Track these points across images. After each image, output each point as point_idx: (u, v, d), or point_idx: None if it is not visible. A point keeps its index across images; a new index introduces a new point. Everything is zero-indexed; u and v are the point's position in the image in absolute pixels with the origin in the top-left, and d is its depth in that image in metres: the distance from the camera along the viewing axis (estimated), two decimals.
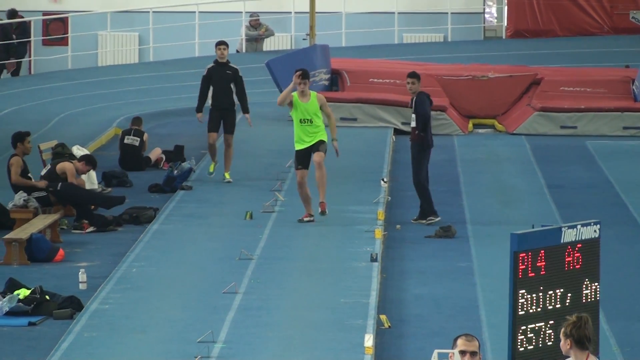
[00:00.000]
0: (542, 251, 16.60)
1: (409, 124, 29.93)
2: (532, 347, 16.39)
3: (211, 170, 32.61)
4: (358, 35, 51.94)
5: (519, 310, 16.59)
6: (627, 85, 42.70)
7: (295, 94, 27.12)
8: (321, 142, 26.97)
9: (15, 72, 49.63)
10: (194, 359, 20.80)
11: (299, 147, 27.29)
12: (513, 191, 34.02)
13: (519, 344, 16.24)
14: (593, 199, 33.19)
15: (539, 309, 16.63)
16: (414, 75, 30.34)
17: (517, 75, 43.52)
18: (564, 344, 15.33)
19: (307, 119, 26.60)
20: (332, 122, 27.78)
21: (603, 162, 37.40)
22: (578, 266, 16.59)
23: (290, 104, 27.69)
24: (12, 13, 50.21)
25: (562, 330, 15.32)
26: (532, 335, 16.54)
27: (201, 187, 32.78)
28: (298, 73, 27.59)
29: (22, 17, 49.78)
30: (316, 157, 26.67)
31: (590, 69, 45.32)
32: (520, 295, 16.50)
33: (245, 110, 32.56)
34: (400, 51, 50.24)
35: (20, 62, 49.43)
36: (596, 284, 16.72)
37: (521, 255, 16.51)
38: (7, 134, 37.50)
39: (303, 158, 26.94)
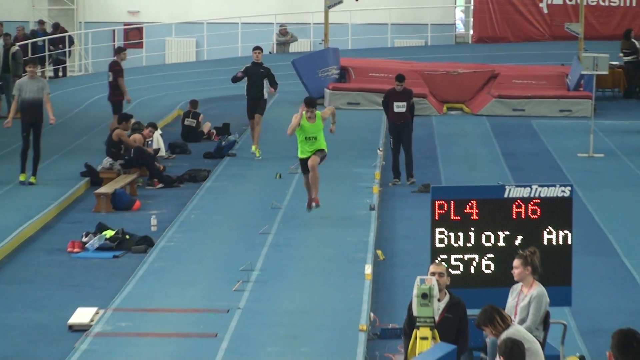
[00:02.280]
0: (473, 201, 16.84)
1: (391, 105, 29.62)
2: (458, 272, 16.58)
3: (255, 152, 32.29)
4: (360, 41, 51.73)
5: (438, 241, 16.78)
6: (563, 79, 42.70)
7: (304, 117, 24.42)
8: (319, 150, 24.86)
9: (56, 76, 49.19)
10: (237, 282, 20.78)
11: (302, 156, 24.90)
12: (477, 158, 33.90)
13: (437, 262, 16.27)
14: (536, 164, 33.10)
15: (469, 244, 16.74)
16: (401, 78, 30.28)
17: (480, 71, 43.46)
18: (524, 272, 15.22)
19: (312, 137, 24.46)
20: (333, 115, 25.73)
21: (544, 136, 37.31)
22: (536, 215, 16.55)
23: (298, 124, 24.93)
24: (56, 26, 49.92)
25: (522, 260, 15.23)
26: (457, 263, 16.71)
27: (242, 154, 32.73)
28: (304, 104, 24.82)
29: (66, 30, 49.51)
30: (311, 161, 24.56)
31: (534, 67, 45.21)
32: (439, 232, 16.76)
33: (274, 86, 32.29)
34: (392, 53, 50.05)
35: (65, 66, 49.00)
36: (566, 231, 16.75)
37: (437, 202, 16.78)
38: (99, 114, 37.45)
39: (305, 166, 24.83)
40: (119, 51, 35.23)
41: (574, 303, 19.51)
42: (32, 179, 28.39)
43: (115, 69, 34.34)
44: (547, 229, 16.74)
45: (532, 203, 16.76)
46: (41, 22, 47.66)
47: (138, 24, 53.21)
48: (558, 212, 16.80)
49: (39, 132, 28.22)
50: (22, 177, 28.41)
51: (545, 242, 16.58)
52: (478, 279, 16.80)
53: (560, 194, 16.82)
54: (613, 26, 49.62)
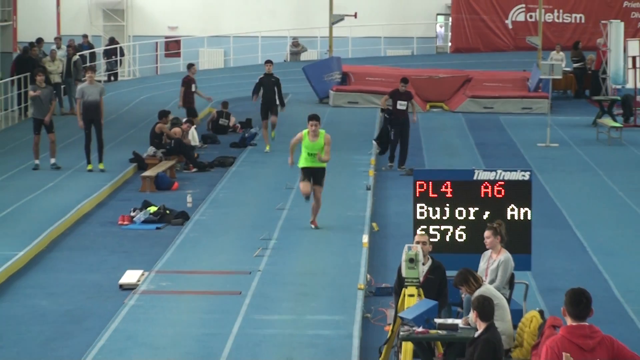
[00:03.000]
0: (448, 182, 16.96)
1: (395, 104, 29.57)
2: (436, 240, 16.55)
3: (267, 149, 32.09)
4: (359, 51, 51.61)
5: (419, 214, 16.90)
6: (524, 82, 42.73)
7: (306, 133, 22.10)
8: (322, 173, 22.36)
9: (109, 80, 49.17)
10: (257, 249, 20.72)
11: (302, 165, 22.29)
12: (454, 147, 33.81)
13: (421, 232, 16.25)
14: (503, 152, 33.03)
15: (445, 217, 16.82)
16: (406, 80, 30.26)
17: (456, 76, 43.44)
18: (494, 241, 15.21)
19: (314, 153, 21.98)
20: (325, 158, 22.25)
21: (509, 129, 37.24)
22: (501, 195, 16.62)
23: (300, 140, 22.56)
24: (112, 40, 49.94)
25: (492, 231, 15.26)
26: (435, 232, 16.76)
27: (262, 145, 32.58)
28: (310, 119, 22.37)
29: (118, 43, 49.45)
30: (317, 192, 22.22)
31: (501, 72, 45.11)
32: (419, 206, 16.95)
33: (282, 104, 32.17)
34: (384, 61, 49.92)
35: (116, 72, 48.93)
36: (526, 209, 16.76)
37: (418, 182, 16.96)
38: (144, 111, 37.35)
39: (307, 173, 22.16)
40: (189, 67, 35.26)
41: (534, 266, 19.43)
42: (100, 166, 28.38)
43: (186, 80, 34.25)
44: (510, 207, 16.77)
45: (497, 185, 16.80)
46: (85, 36, 47.39)
47: (177, 37, 53.14)
48: (519, 192, 16.82)
49: (100, 127, 28.23)
50: (89, 167, 28.42)
51: (508, 217, 16.55)
52: (453, 246, 16.84)
53: (521, 178, 16.85)
54: (565, 39, 49.44)
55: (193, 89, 34.50)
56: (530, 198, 16.76)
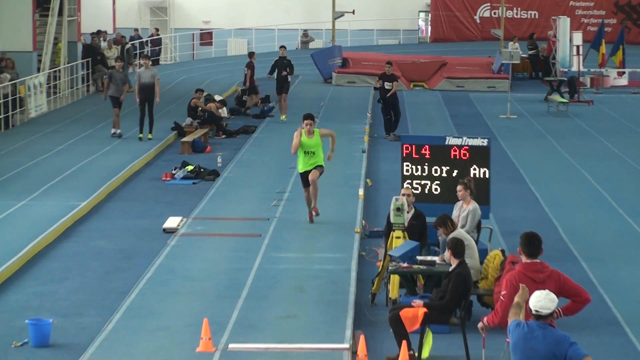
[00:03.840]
0: (427, 146, 17.19)
1: (383, 84, 29.47)
2: (417, 192, 16.75)
3: (282, 118, 32.00)
4: (356, 41, 51.56)
5: (405, 171, 17.15)
6: (489, 66, 42.68)
7: (303, 132, 18.70)
8: (318, 166, 19.05)
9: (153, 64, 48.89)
10: (274, 200, 20.72)
11: (301, 169, 18.98)
12: (432, 119, 33.73)
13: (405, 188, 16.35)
14: (472, 122, 32.96)
15: (424, 173, 17.04)
16: (390, 62, 30.30)
17: (435, 61, 43.34)
18: (465, 193, 15.25)
19: (311, 151, 18.64)
20: (333, 140, 19.46)
21: (477, 104, 37.15)
22: (466, 157, 16.75)
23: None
24: (157, 31, 49.69)
25: (463, 186, 15.31)
26: (417, 186, 16.99)
27: (278, 116, 32.47)
28: (303, 119, 19.15)
29: (159, 35, 49.12)
30: (312, 175, 18.80)
31: (471, 58, 44.97)
32: (404, 166, 17.16)
33: (290, 72, 32.04)
34: (377, 49, 49.79)
35: (158, 58, 48.55)
36: (485, 169, 16.86)
37: (405, 145, 17.32)
38: (183, 89, 37.20)
39: (306, 179, 18.87)
40: (251, 55, 35.15)
41: (497, 213, 19.50)
42: (149, 136, 28.23)
43: (250, 65, 34.25)
44: (473, 167, 16.91)
45: (463, 149, 16.98)
46: (135, 30, 47.24)
47: (209, 29, 53.01)
48: (480, 155, 16.93)
49: (152, 105, 28.14)
50: (140, 135, 28.27)
51: (471, 176, 16.63)
52: (430, 197, 17.04)
53: (481, 144, 16.97)
54: (522, 31, 49.30)
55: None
56: (488, 160, 16.92)
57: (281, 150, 27.01)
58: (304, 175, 18.80)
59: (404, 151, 17.29)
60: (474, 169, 16.79)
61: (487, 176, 16.72)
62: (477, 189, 16.36)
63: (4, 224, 19.13)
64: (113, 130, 28.72)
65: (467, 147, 16.89)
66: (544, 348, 8.14)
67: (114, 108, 28.57)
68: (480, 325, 9.60)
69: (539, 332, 8.19)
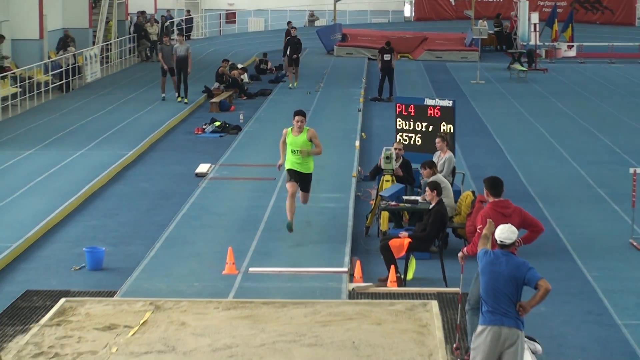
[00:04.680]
0: (412, 105, 17.30)
1: (375, 57, 29.39)
2: (405, 143, 16.80)
3: (290, 86, 31.60)
4: (353, 20, 51.20)
5: (398, 125, 17.34)
6: (462, 40, 42.39)
7: (290, 130, 14.47)
8: (309, 179, 14.67)
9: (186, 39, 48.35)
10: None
11: (288, 166, 14.54)
12: (415, 83, 33.54)
13: (397, 141, 16.41)
14: (448, 86, 32.76)
15: (410, 127, 17.19)
16: (389, 43, 29.98)
17: (418, 36, 43.02)
18: (442, 144, 15.27)
19: (297, 150, 14.35)
20: (316, 150, 14.56)
21: (453, 72, 36.90)
22: (437, 115, 16.81)
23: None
24: (189, 11, 49.20)
25: (441, 138, 15.36)
26: (405, 138, 17.16)
27: (289, 82, 32.22)
28: (295, 115, 14.68)
29: (191, 15, 48.51)
30: (302, 198, 14.76)
31: (447, 33, 44.60)
32: (397, 122, 17.28)
33: (299, 51, 31.64)
34: (370, 26, 49.38)
35: (189, 34, 47.73)
36: (450, 125, 16.76)
37: (397, 105, 17.53)
38: (211, 60, 36.93)
39: (293, 175, 14.49)
40: (289, 25, 34.81)
41: (467, 161, 19.39)
42: (185, 100, 27.82)
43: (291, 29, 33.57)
44: (443, 123, 16.86)
45: (436, 108, 16.99)
46: (168, 11, 46.53)
47: (233, 10, 52.71)
48: (447, 114, 16.88)
49: (187, 74, 27.83)
50: (178, 99, 27.90)
51: (441, 130, 16.68)
52: (414, 148, 17.00)
53: (448, 104, 16.94)
54: (490, 11, 48.82)
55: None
56: (453, 118, 16.90)
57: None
58: (292, 172, 14.45)
59: (397, 109, 17.48)
60: (443, 125, 16.83)
61: (452, 130, 16.67)
62: (427, 140, 16.66)
63: (66, 169, 19.08)
64: (162, 95, 28.43)
65: (439, 107, 17.00)
66: (506, 271, 8.15)
67: (163, 77, 28.34)
68: (460, 255, 9.54)
69: (502, 259, 8.21)
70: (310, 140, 14.35)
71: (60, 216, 15.64)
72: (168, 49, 28.23)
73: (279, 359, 9.66)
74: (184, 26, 46.12)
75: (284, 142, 14.47)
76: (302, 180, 14.51)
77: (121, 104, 27.75)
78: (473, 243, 9.71)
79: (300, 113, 14.58)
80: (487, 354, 8.06)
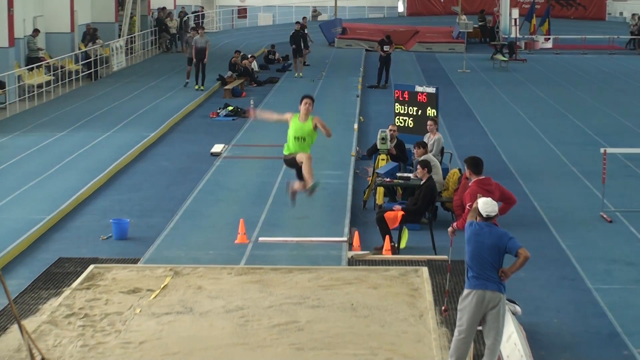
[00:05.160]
0: (407, 92, 17.19)
1: (373, 49, 29.26)
2: (400, 124, 16.80)
3: (296, 75, 31.36)
4: (352, 15, 50.91)
5: (396, 110, 17.12)
6: (450, 33, 42.21)
7: (296, 115, 12.25)
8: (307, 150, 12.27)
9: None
10: None
11: (285, 152, 12.36)
12: (409, 72, 33.39)
13: (395, 123, 16.47)
14: (437, 74, 32.60)
15: (405, 111, 17.05)
16: (389, 37, 30.01)
17: (410, 29, 42.82)
18: (433, 127, 15.25)
19: (302, 137, 12.14)
20: (328, 130, 12.37)
21: (441, 61, 36.78)
22: (424, 100, 16.75)
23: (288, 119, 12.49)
24: (202, 7, 48.66)
25: (433, 121, 15.38)
26: (402, 120, 17.02)
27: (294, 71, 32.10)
28: (303, 98, 12.43)
29: (203, 11, 48.04)
30: (299, 157, 12.15)
31: (436, 27, 44.35)
32: (395, 106, 17.14)
33: (306, 47, 31.43)
34: (367, 21, 49.19)
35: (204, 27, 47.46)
36: (434, 110, 16.67)
37: (395, 91, 17.33)
38: (224, 50, 36.69)
39: (290, 162, 12.40)
40: (304, 19, 34.59)
41: (454, 142, 19.30)
42: (202, 87, 27.63)
43: (304, 26, 33.39)
44: (428, 107, 16.76)
45: (423, 94, 16.88)
46: (182, 7, 46.14)
47: (244, 6, 52.49)
48: (432, 99, 16.77)
49: (204, 64, 27.63)
50: (196, 87, 27.66)
51: (427, 114, 16.60)
52: (407, 129, 16.90)
53: (432, 91, 16.85)
54: (475, 7, 48.53)
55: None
56: (436, 103, 16.81)
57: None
58: (288, 159, 12.26)
59: (395, 95, 17.40)
60: (429, 109, 16.75)
61: (435, 114, 16.61)
62: (418, 122, 16.63)
63: (94, 149, 19.02)
64: (186, 81, 28.23)
65: (426, 93, 16.89)
66: (489, 241, 8.14)
67: (189, 66, 28.17)
68: (450, 229, 9.48)
69: (486, 229, 8.20)
70: (316, 129, 12.00)
71: (89, 191, 15.60)
72: (194, 41, 28.07)
73: (285, 319, 9.64)
74: (199, 21, 45.88)
75: (280, 119, 12.26)
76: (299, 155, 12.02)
77: (144, 91, 27.64)
78: (463, 219, 9.66)
79: (308, 96, 12.29)
80: (472, 314, 8.04)
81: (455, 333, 8.14)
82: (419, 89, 17.10)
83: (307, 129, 12.11)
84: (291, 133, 12.12)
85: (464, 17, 41.72)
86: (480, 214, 8.27)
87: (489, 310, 8.07)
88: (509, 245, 8.11)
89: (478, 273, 8.09)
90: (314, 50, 36.25)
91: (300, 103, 12.16)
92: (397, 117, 17.17)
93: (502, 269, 8.10)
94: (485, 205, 8.27)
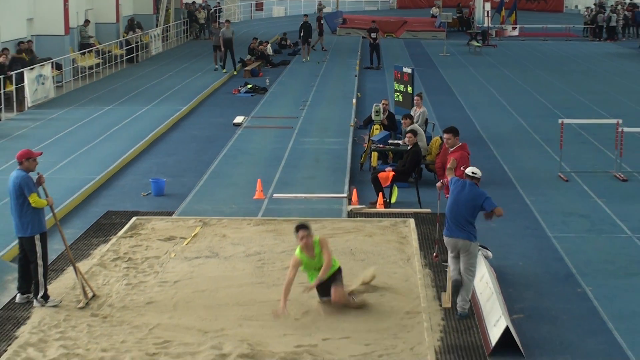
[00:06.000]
0: (397, 71, 16.98)
1: (370, 35, 28.85)
2: (398, 99, 16.57)
3: (303, 60, 30.82)
4: (351, 8, 50.29)
5: (394, 87, 16.87)
6: (433, 23, 41.70)
7: (300, 253, 7.97)
8: (335, 273, 8.03)
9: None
10: (301, 105, 20.34)
11: (314, 282, 8.01)
12: (399, 56, 32.96)
13: (384, 100, 15.76)
14: (422, 58, 32.26)
15: (397, 88, 16.72)
16: (374, 21, 29.68)
17: (400, 20, 42.24)
18: (420, 101, 15.14)
19: (318, 268, 7.98)
20: (325, 266, 7.92)
21: (425, 47, 36.31)
22: (406, 79, 16.83)
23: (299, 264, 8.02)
24: (219, 2, 47.66)
25: (419, 96, 15.24)
26: (398, 96, 16.68)
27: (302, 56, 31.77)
28: (297, 230, 8.01)
29: (221, 6, 46.71)
30: (335, 296, 7.93)
31: (422, 18, 43.86)
32: (395, 84, 16.95)
33: (320, 34, 31.00)
34: (364, 13, 48.60)
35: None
36: (411, 87, 16.46)
37: (395, 71, 17.06)
38: (244, 38, 36.24)
39: (324, 290, 8.01)
40: (320, 9, 34.14)
41: (437, 114, 19.06)
42: (234, 72, 26.93)
43: (320, 17, 33.00)
44: (408, 85, 16.52)
45: (405, 74, 16.69)
46: (205, 1, 45.01)
47: (260, 0, 51.86)
48: (410, 78, 16.54)
49: (233, 52, 27.09)
50: (224, 70, 26.95)
51: (409, 91, 16.46)
52: (397, 103, 16.78)
53: (409, 71, 16.64)
54: (454, 1, 47.98)
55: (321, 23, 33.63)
56: (412, 81, 16.59)
57: (305, 75, 26.50)
58: (320, 287, 8.14)
59: (394, 75, 17.30)
60: (409, 87, 16.60)
61: (410, 91, 16.43)
62: (404, 98, 16.47)
63: (136, 121, 18.87)
64: (215, 66, 27.69)
65: (407, 73, 16.72)
66: (469, 197, 8.14)
67: (214, 52, 27.71)
68: (438, 185, 9.43)
69: (467, 188, 8.23)
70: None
71: (132, 155, 15.51)
72: (217, 32, 27.70)
73: None
74: (217, 14, 45.40)
75: (293, 277, 7.91)
76: (330, 279, 8.11)
77: (177, 72, 27.37)
78: (446, 177, 9.62)
79: (301, 228, 8.11)
80: (450, 253, 8.21)
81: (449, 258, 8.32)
82: (405, 69, 16.94)
83: (318, 263, 8.11)
84: (307, 273, 8.22)
85: (435, 9, 41.37)
86: (467, 174, 8.26)
87: (462, 254, 8.08)
88: (485, 204, 8.07)
89: (454, 223, 8.07)
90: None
91: (297, 237, 8.10)
92: (396, 93, 17.09)
93: (486, 213, 8.13)
94: (473, 168, 8.31)
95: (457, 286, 8.06)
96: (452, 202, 8.12)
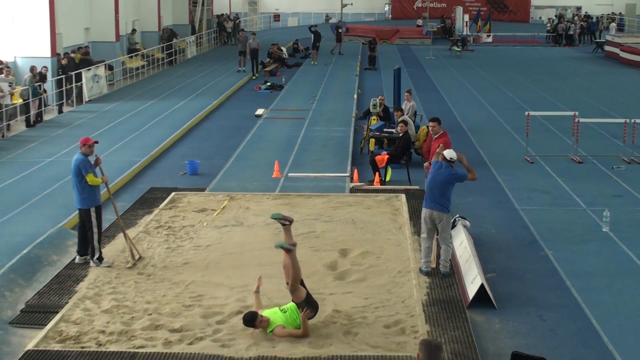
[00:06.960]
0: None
1: (369, 47, 28.60)
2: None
3: (312, 63, 30.48)
4: (353, 19, 49.84)
5: (395, 84, 16.16)
6: (421, 31, 41.17)
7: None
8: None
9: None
10: (311, 100, 20.19)
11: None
12: (392, 59, 32.65)
13: (381, 95, 15.85)
14: (412, 61, 31.96)
15: (394, 85, 16.31)
16: (374, 40, 29.54)
17: (393, 29, 41.76)
18: (410, 96, 14.92)
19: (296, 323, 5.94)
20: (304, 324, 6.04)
21: (415, 52, 35.96)
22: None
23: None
24: (240, 16, 47.14)
25: (409, 92, 15.00)
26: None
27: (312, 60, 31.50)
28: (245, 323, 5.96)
29: (239, 19, 45.31)
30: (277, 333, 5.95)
31: (412, 27, 43.32)
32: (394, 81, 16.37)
33: (339, 41, 30.62)
34: (363, 23, 48.12)
35: (243, 28, 46.39)
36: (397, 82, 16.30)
37: (394, 70, 16.38)
38: (265, 43, 35.96)
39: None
40: (338, 22, 33.77)
41: (424, 107, 18.86)
42: (256, 75, 26.11)
43: (338, 26, 32.72)
44: (399, 82, 16.40)
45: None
46: (229, 13, 44.41)
47: (278, 12, 51.50)
48: (397, 75, 16.44)
49: (257, 59, 26.48)
50: (250, 75, 26.13)
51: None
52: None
53: (396, 69, 16.57)
54: (438, 13, 47.49)
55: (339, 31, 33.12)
56: (400, 78, 16.45)
57: (314, 75, 26.25)
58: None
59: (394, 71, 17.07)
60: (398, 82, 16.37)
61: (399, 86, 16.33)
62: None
63: (174, 113, 18.79)
64: (239, 68, 27.29)
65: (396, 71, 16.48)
66: (445, 176, 8.10)
67: (240, 56, 27.26)
68: (426, 164, 9.40)
69: (444, 168, 8.16)
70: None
71: (171, 141, 15.46)
72: (243, 40, 27.32)
73: (306, 230, 9.56)
74: (247, 25, 45.04)
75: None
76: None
77: (209, 72, 27.21)
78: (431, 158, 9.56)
79: (246, 324, 6.29)
80: (425, 224, 8.16)
81: (421, 235, 8.21)
82: (398, 70, 16.78)
83: (291, 319, 6.35)
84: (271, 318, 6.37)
85: (420, 20, 41.02)
86: (444, 158, 8.17)
87: (438, 224, 8.06)
88: (459, 174, 8.06)
89: (430, 197, 8.09)
90: (327, 44, 35.54)
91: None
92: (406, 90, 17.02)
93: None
94: (450, 152, 8.25)
95: (425, 273, 7.96)
96: (430, 180, 8.15)
